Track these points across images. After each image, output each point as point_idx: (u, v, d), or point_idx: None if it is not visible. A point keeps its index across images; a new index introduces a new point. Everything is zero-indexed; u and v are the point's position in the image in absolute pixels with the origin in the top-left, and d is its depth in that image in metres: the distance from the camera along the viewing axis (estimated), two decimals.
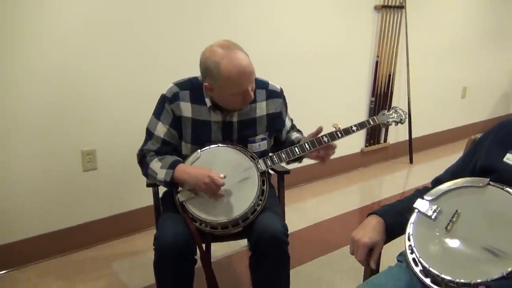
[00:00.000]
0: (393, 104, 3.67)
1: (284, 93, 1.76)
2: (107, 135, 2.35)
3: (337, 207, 2.98)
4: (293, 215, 2.83)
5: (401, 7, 3.49)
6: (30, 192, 2.20)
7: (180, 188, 1.57)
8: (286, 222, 1.67)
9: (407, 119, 1.82)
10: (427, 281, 1.04)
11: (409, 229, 1.14)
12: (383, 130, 3.80)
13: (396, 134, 3.94)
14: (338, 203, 3.06)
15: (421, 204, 1.17)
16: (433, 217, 1.13)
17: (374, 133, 3.75)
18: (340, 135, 1.63)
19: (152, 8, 2.32)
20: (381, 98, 3.63)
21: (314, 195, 3.21)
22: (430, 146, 4.35)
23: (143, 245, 2.45)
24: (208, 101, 1.60)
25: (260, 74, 1.67)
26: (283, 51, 2.93)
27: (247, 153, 1.62)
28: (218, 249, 2.34)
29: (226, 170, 1.54)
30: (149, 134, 1.63)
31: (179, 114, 1.60)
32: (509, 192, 1.07)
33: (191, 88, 1.61)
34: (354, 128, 1.65)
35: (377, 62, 3.50)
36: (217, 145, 1.61)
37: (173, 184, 1.56)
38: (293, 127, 1.85)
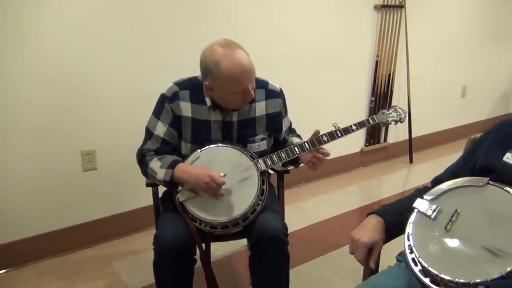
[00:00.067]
0: (393, 104, 3.67)
1: (284, 93, 1.75)
2: (107, 135, 2.35)
3: (337, 206, 2.98)
4: (293, 215, 2.83)
5: (401, 6, 3.48)
6: (30, 192, 2.20)
7: (179, 188, 1.57)
8: (286, 221, 1.67)
9: (406, 118, 1.82)
10: (427, 280, 1.04)
11: (409, 228, 1.14)
12: (383, 129, 3.80)
13: (396, 134, 3.94)
14: (337, 202, 3.06)
15: (420, 204, 1.17)
16: (432, 216, 1.13)
17: (374, 133, 3.75)
18: (339, 135, 1.63)
19: (152, 8, 2.32)
20: (381, 97, 3.62)
21: (314, 194, 3.21)
22: (430, 146, 4.35)
23: (143, 245, 2.45)
24: (208, 101, 1.60)
25: (260, 74, 1.67)
26: (283, 51, 2.93)
27: (246, 152, 1.61)
28: (218, 249, 2.34)
29: (226, 169, 1.54)
30: (149, 134, 1.62)
31: (179, 113, 1.60)
32: (508, 192, 1.07)
33: (191, 87, 1.61)
34: (353, 127, 1.65)
35: (377, 62, 3.50)
36: (216, 145, 1.61)
37: (172, 184, 1.56)
38: (292, 131, 1.84)
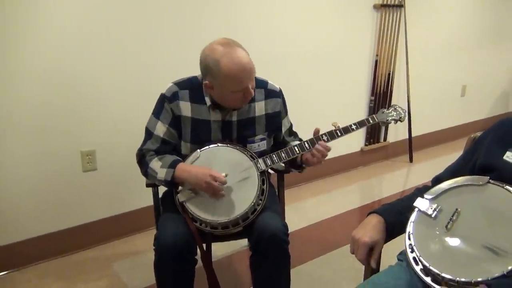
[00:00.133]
0: (392, 103, 3.67)
1: (284, 93, 1.75)
2: (107, 135, 2.35)
3: (337, 206, 2.98)
4: (293, 215, 2.83)
5: (400, 5, 3.48)
6: (30, 193, 2.20)
7: (179, 188, 1.57)
8: (286, 221, 1.66)
9: (406, 117, 1.82)
10: (428, 280, 1.04)
11: (409, 228, 1.14)
12: (383, 129, 3.80)
13: (396, 133, 3.94)
14: (338, 202, 3.06)
15: (421, 203, 1.17)
16: (433, 215, 1.13)
17: (374, 132, 3.75)
18: (339, 134, 1.63)
19: (152, 8, 2.32)
20: (380, 97, 3.62)
21: (314, 194, 3.21)
22: (430, 145, 4.35)
23: (143, 245, 2.45)
24: (207, 100, 1.60)
25: (260, 74, 1.67)
26: (283, 50, 2.93)
27: (246, 152, 1.61)
28: (219, 249, 2.34)
29: (226, 169, 1.54)
30: (148, 134, 1.62)
31: (179, 113, 1.59)
32: (509, 190, 1.07)
33: (191, 87, 1.61)
34: (353, 126, 1.65)
35: (376, 61, 3.50)
36: (216, 145, 1.61)
37: (173, 184, 1.56)
38: (293, 134, 1.83)
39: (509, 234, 1.00)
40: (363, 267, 1.31)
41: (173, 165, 1.54)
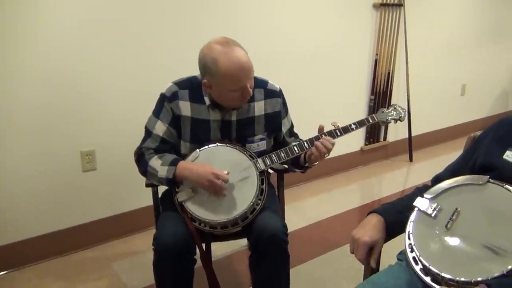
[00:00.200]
0: (392, 102, 3.67)
1: (284, 93, 1.75)
2: (106, 135, 2.35)
3: (337, 205, 2.98)
4: (293, 214, 2.82)
5: (400, 5, 3.48)
6: (30, 193, 2.20)
7: (179, 188, 1.57)
8: (286, 221, 1.66)
9: (406, 117, 1.82)
10: (427, 279, 1.04)
11: (409, 227, 1.14)
12: (383, 128, 3.80)
13: (396, 132, 3.93)
14: (338, 201, 3.06)
15: (421, 202, 1.17)
16: (433, 215, 1.13)
17: (374, 132, 3.74)
18: (339, 134, 1.63)
19: (152, 8, 2.32)
20: (380, 96, 3.62)
21: (314, 193, 3.21)
22: (430, 144, 4.35)
23: (143, 245, 2.45)
24: (207, 100, 1.59)
25: (259, 74, 1.67)
26: (282, 50, 2.92)
27: (246, 152, 1.61)
28: (218, 249, 2.34)
29: (225, 169, 1.54)
30: (148, 133, 1.62)
31: (178, 113, 1.59)
32: (509, 190, 1.07)
33: (190, 87, 1.61)
34: (353, 126, 1.65)
35: (376, 60, 3.50)
36: (216, 144, 1.60)
37: (174, 182, 1.55)
38: (293, 135, 1.82)
39: (509, 233, 1.00)
40: (363, 266, 1.31)
41: (174, 163, 1.54)
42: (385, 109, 1.77)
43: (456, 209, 1.11)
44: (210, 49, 1.47)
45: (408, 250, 1.11)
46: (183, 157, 1.61)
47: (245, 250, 2.35)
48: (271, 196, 1.70)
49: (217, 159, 1.57)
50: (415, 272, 1.07)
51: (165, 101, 1.59)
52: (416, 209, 1.17)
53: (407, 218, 1.16)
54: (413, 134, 3.89)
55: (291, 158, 1.64)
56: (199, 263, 1.59)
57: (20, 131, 2.11)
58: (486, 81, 4.71)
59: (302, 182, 3.35)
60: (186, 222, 1.54)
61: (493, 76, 4.78)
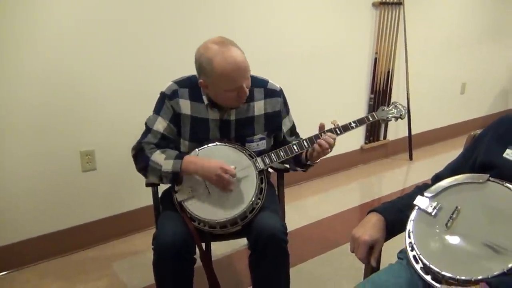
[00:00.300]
0: (392, 101, 3.66)
1: (284, 92, 1.74)
2: (106, 135, 2.34)
3: (337, 204, 2.98)
4: (293, 213, 2.82)
5: (399, 3, 3.48)
6: (30, 193, 2.20)
7: (178, 188, 1.56)
8: (286, 220, 1.66)
9: (406, 115, 1.81)
10: (428, 278, 1.04)
11: (409, 226, 1.14)
12: (383, 127, 3.79)
13: (396, 131, 3.93)
14: (338, 200, 3.06)
15: (421, 201, 1.17)
16: (433, 214, 1.13)
17: (374, 130, 3.74)
18: (339, 132, 1.62)
19: (149, 8, 2.31)
20: (380, 95, 3.62)
21: (314, 192, 3.21)
22: (430, 143, 4.35)
23: (142, 245, 2.45)
24: (205, 99, 1.59)
25: (258, 73, 1.66)
26: (282, 50, 2.92)
27: (245, 151, 1.61)
28: (218, 248, 2.34)
29: None
30: (148, 129, 1.61)
31: (179, 111, 1.59)
32: (509, 188, 1.07)
33: (190, 86, 1.60)
34: (353, 124, 1.64)
35: (375, 59, 3.50)
36: (215, 144, 1.60)
37: (176, 178, 1.54)
38: (295, 134, 1.81)
39: (509, 231, 1.00)
40: (363, 265, 1.31)
41: (180, 157, 1.53)
42: (385, 107, 1.75)
43: (456, 207, 1.11)
44: (206, 48, 1.47)
45: (409, 248, 1.11)
46: None
47: (244, 250, 2.35)
48: (271, 196, 1.70)
49: (216, 158, 1.57)
50: (415, 271, 1.07)
51: (166, 99, 1.59)
52: (416, 207, 1.17)
53: (407, 217, 1.16)
54: (413, 132, 3.89)
55: (290, 157, 1.63)
56: (199, 262, 1.59)
57: (19, 132, 2.11)
58: (486, 79, 4.71)
59: (302, 181, 3.35)
60: (185, 221, 1.53)
61: (493, 75, 4.78)
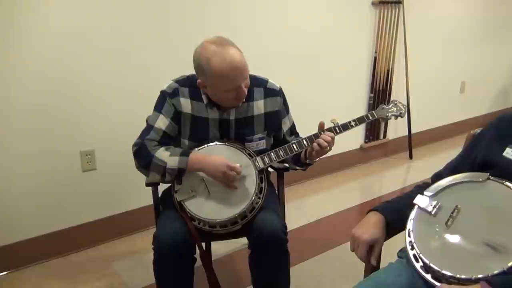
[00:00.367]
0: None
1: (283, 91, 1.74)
2: (106, 135, 2.34)
3: (337, 203, 2.98)
4: (293, 212, 2.82)
5: (399, 2, 3.47)
6: (30, 193, 2.20)
7: (178, 187, 1.56)
8: (286, 219, 1.66)
9: (406, 113, 1.80)
10: (428, 277, 1.04)
11: (409, 225, 1.14)
12: (382, 125, 3.79)
13: (396, 130, 3.93)
14: (338, 199, 3.06)
15: (421, 200, 1.17)
16: (433, 212, 1.13)
17: (374, 129, 3.74)
18: (338, 131, 1.62)
19: (149, 7, 2.31)
20: (380, 94, 3.62)
21: (314, 192, 3.21)
22: (430, 141, 4.35)
23: (143, 245, 2.45)
24: (205, 98, 1.59)
25: (257, 73, 1.66)
26: (281, 49, 2.92)
27: (245, 151, 1.61)
28: (219, 248, 2.34)
29: None
30: (150, 126, 1.60)
31: (180, 109, 1.59)
32: (509, 187, 1.07)
33: (190, 85, 1.60)
34: (352, 123, 1.64)
35: (375, 58, 3.50)
36: (214, 143, 1.60)
37: (181, 175, 1.54)
38: (294, 133, 1.81)
39: (509, 230, 1.00)
40: (363, 264, 1.30)
41: (185, 154, 1.53)
42: (385, 105, 1.75)
43: (456, 206, 1.11)
44: (204, 48, 1.47)
45: (409, 247, 1.11)
46: None
47: (245, 249, 2.34)
48: (271, 195, 1.70)
49: None
50: (415, 270, 1.07)
51: (167, 97, 1.59)
52: (416, 206, 1.17)
53: (407, 216, 1.16)
54: (412, 131, 3.89)
55: (290, 156, 1.63)
56: (199, 262, 1.59)
57: (19, 132, 2.10)
58: (486, 78, 4.71)
59: (302, 180, 3.35)
60: (185, 221, 1.53)
61: (492, 73, 4.78)
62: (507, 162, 1.14)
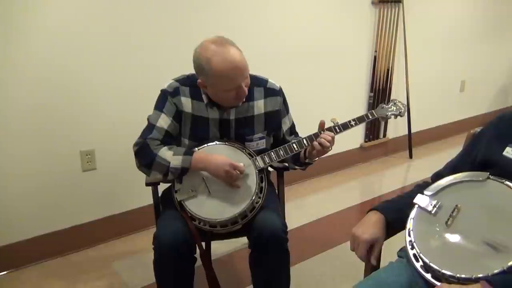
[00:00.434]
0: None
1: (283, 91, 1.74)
2: (106, 135, 2.34)
3: (337, 203, 2.98)
4: (294, 212, 2.82)
5: (398, 1, 3.47)
6: (30, 193, 2.20)
7: (178, 187, 1.56)
8: (287, 218, 1.66)
9: (406, 112, 1.80)
10: (428, 276, 1.04)
11: (409, 224, 1.14)
12: (382, 125, 3.79)
13: (396, 129, 3.93)
14: (338, 199, 3.06)
15: (421, 199, 1.17)
16: (433, 212, 1.13)
17: (373, 128, 3.74)
18: (338, 130, 1.62)
19: (148, 7, 2.31)
20: (379, 93, 3.61)
21: (314, 191, 3.21)
22: (430, 141, 4.35)
23: (143, 245, 2.45)
24: (205, 98, 1.59)
25: (257, 72, 1.66)
26: (281, 48, 2.91)
27: (245, 150, 1.61)
28: (219, 247, 2.34)
29: None
30: (152, 125, 1.59)
31: (181, 108, 1.59)
32: (509, 186, 1.07)
33: (190, 84, 1.60)
34: (352, 122, 1.64)
35: (375, 57, 3.49)
36: (214, 143, 1.60)
37: (184, 174, 1.54)
38: (294, 133, 1.81)
39: (509, 230, 1.00)
40: (363, 264, 1.31)
41: (189, 153, 1.53)
42: (384, 105, 1.75)
43: (456, 205, 1.11)
44: (204, 48, 1.46)
45: (409, 247, 1.11)
46: None
47: (245, 249, 2.34)
48: (271, 194, 1.70)
49: None
50: (415, 269, 1.07)
51: (168, 95, 1.59)
52: (416, 206, 1.17)
53: (407, 216, 1.16)
54: (412, 130, 3.89)
55: (290, 156, 1.63)
56: (199, 261, 1.59)
57: (19, 132, 2.10)
58: (486, 77, 4.71)
59: (302, 180, 3.35)
60: (186, 221, 1.53)
61: (492, 72, 4.78)
62: (507, 161, 1.14)
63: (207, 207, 1.53)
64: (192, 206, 1.54)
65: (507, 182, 1.07)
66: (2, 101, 2.04)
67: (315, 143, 1.56)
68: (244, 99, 1.58)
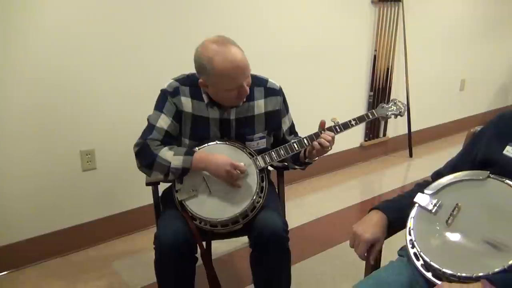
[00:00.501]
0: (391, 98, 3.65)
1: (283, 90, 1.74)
2: (106, 134, 2.34)
3: (338, 202, 2.98)
4: (294, 211, 2.82)
5: (398, 0, 3.47)
6: (30, 193, 2.19)
7: (178, 187, 1.56)
8: (287, 218, 1.66)
9: (406, 112, 1.80)
10: (429, 275, 1.04)
11: (410, 223, 1.14)
12: (382, 124, 3.79)
13: (395, 128, 3.93)
14: (338, 198, 3.06)
15: (421, 198, 1.17)
16: (433, 211, 1.13)
17: (373, 127, 3.74)
18: (338, 130, 1.62)
19: (148, 7, 2.30)
20: (379, 92, 3.61)
21: (314, 190, 3.21)
22: (430, 139, 4.35)
23: (143, 244, 2.45)
24: (205, 97, 1.59)
25: (257, 71, 1.66)
26: (281, 48, 2.91)
27: (245, 150, 1.61)
28: (219, 247, 2.34)
29: None
30: (152, 125, 1.59)
31: (181, 108, 1.59)
32: (509, 185, 1.07)
33: (190, 84, 1.60)
34: (353, 122, 1.64)
35: (375, 56, 3.49)
36: (215, 143, 1.60)
37: (184, 174, 1.54)
38: (293, 133, 1.81)
39: (510, 228, 1.00)
40: (364, 263, 1.31)
41: (190, 153, 1.53)
42: (385, 104, 1.75)
43: (457, 204, 1.11)
44: (205, 48, 1.46)
45: (409, 246, 1.11)
46: None
47: (246, 248, 2.35)
48: (271, 194, 1.70)
49: None
50: (416, 268, 1.07)
51: (168, 95, 1.59)
52: (416, 205, 1.17)
53: (408, 215, 1.16)
54: (412, 129, 3.89)
55: (290, 155, 1.63)
56: (200, 261, 1.59)
57: (19, 132, 2.10)
58: (486, 76, 4.71)
59: (302, 179, 3.35)
60: (186, 220, 1.53)
61: (492, 71, 4.78)
62: (507, 160, 1.14)
63: (208, 207, 1.53)
64: (193, 205, 1.54)
65: (508, 181, 1.08)
66: (1, 101, 2.03)
67: (315, 143, 1.56)
68: (245, 99, 1.58)
